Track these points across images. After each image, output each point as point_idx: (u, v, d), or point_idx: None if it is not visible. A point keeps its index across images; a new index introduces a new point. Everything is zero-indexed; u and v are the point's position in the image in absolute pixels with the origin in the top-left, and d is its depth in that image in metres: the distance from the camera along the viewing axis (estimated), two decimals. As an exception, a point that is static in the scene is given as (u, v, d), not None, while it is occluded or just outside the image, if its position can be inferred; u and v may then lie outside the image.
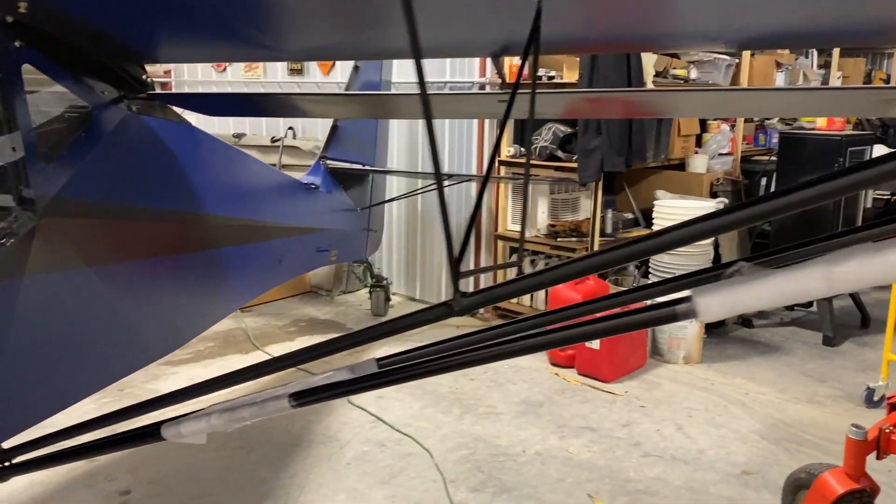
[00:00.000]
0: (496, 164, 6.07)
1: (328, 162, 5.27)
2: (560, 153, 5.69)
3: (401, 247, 6.98)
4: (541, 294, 5.97)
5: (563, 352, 5.19)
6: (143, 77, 2.56)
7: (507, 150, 5.98)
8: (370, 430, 4.26)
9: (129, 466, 3.82)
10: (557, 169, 5.69)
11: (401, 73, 6.14)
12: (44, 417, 2.31)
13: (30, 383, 2.21)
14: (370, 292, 6.52)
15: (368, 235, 5.96)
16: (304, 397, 1.48)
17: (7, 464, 2.10)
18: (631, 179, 6.62)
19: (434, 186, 5.76)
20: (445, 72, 6.15)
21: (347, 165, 5.42)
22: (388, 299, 6.51)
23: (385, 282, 6.46)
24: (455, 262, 1.25)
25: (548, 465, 3.87)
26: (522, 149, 5.97)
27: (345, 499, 3.53)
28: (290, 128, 7.23)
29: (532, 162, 5.81)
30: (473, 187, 6.23)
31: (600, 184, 5.58)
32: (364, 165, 5.75)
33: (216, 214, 3.18)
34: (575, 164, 5.59)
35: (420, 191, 6.18)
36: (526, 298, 6.10)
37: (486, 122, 6.03)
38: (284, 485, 3.66)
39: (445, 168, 6.31)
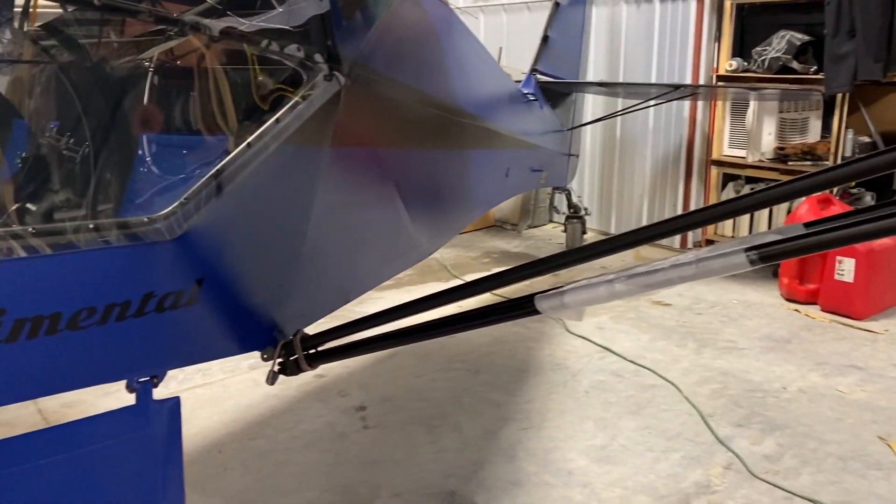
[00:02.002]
0: (714, 79, 5.47)
1: (539, 76, 4.90)
2: (795, 64, 5.01)
3: (594, 176, 6.53)
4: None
5: (802, 286, 4.61)
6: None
7: (728, 63, 5.34)
8: (600, 360, 3.94)
9: (359, 383, 3.73)
10: (793, 82, 5.01)
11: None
12: (336, 307, 2.16)
13: (326, 269, 2.05)
14: (566, 224, 6.14)
15: (569, 160, 5.58)
16: (766, 249, 1.14)
17: (313, 350, 1.95)
18: (866, 99, 5.76)
19: (636, 108, 5.27)
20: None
21: (557, 80, 5.03)
22: (584, 232, 6.12)
23: (583, 212, 6.05)
24: None
25: (817, 403, 3.40)
26: (745, 63, 5.32)
27: (594, 427, 3.24)
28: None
29: (760, 75, 5.17)
30: (687, 108, 5.66)
31: (847, 97, 4.86)
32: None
33: (469, 113, 2.92)
34: (813, 76, 4.91)
35: (621, 112, 5.66)
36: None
37: (704, 30, 5.41)
38: (523, 409, 3.42)
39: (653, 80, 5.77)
